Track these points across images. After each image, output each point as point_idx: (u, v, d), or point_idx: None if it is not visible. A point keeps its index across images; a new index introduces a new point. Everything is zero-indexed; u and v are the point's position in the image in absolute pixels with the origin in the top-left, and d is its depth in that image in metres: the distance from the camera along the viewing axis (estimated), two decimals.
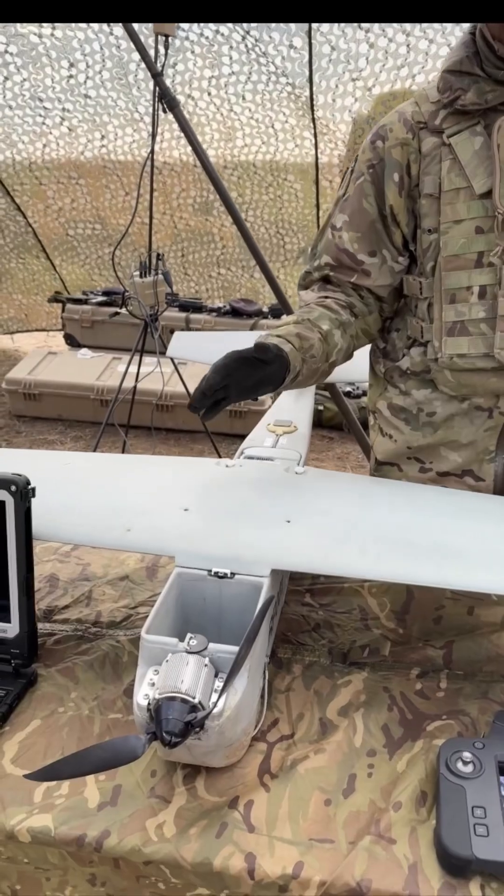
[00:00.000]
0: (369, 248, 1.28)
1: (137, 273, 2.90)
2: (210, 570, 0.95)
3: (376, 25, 3.46)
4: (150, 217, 2.98)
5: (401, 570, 0.95)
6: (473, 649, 1.13)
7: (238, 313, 5.15)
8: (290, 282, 5.49)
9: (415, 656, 1.12)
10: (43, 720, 0.98)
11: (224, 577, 0.94)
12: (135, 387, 3.44)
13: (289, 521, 1.03)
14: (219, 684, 0.80)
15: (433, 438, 1.33)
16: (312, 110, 4.05)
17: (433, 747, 0.94)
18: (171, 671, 0.78)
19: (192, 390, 3.76)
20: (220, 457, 4.18)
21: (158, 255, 2.89)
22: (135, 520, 1.04)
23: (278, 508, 1.08)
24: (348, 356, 1.34)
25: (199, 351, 2.20)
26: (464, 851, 0.78)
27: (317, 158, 4.38)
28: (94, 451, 3.72)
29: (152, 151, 2.62)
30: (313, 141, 4.28)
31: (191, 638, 0.82)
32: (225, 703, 0.78)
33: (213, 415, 1.12)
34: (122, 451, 3.69)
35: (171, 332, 5.14)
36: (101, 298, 5.32)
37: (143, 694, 0.79)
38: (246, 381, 1.10)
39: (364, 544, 0.99)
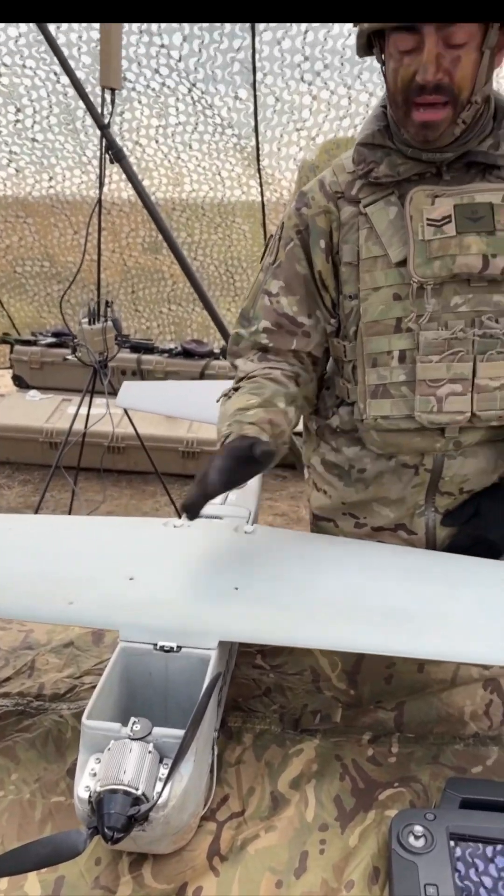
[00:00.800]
0: (308, 310, 1.29)
1: (86, 320, 2.88)
2: (156, 644, 0.92)
3: (318, 78, 3.56)
4: (98, 267, 2.96)
5: (349, 637, 0.95)
6: (424, 710, 1.13)
7: (190, 354, 5.14)
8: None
9: (366, 720, 1.11)
10: None
11: (170, 650, 0.92)
12: (84, 431, 3.40)
13: (237, 589, 1.02)
14: (164, 771, 0.77)
15: (365, 494, 1.34)
16: (258, 160, 4.14)
17: (385, 819, 0.92)
18: (113, 761, 0.75)
19: (141, 432, 3.73)
20: (171, 498, 4.15)
21: (108, 301, 2.88)
22: (78, 591, 1.01)
23: (226, 574, 1.06)
24: (297, 424, 1.35)
25: (149, 401, 2.18)
26: None
27: (263, 206, 4.46)
28: (44, 494, 3.65)
29: (99, 202, 2.62)
30: (259, 189, 4.37)
31: (134, 722, 0.80)
32: (170, 792, 0.75)
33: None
34: (71, 499, 3.63)
35: (123, 373, 5.15)
36: (50, 340, 5.26)
37: (85, 786, 0.76)
38: (242, 479, 1.07)
39: (312, 611, 0.98)
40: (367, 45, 1.14)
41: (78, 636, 1.30)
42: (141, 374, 5.26)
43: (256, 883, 0.84)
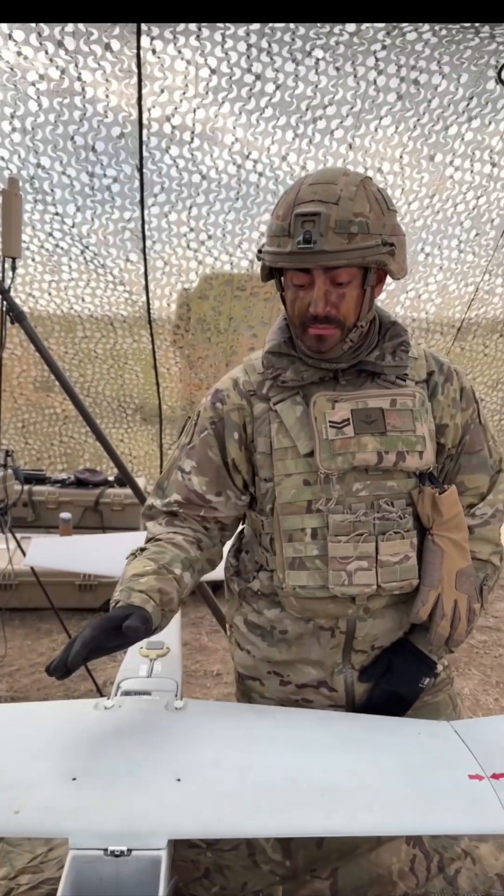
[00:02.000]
0: (216, 489, 1.44)
1: None
2: (106, 849, 0.95)
3: (203, 247, 3.95)
4: None
5: (292, 822, 1.01)
6: (357, 874, 1.20)
7: (83, 483, 5.14)
8: (133, 442, 5.65)
9: (304, 892, 1.17)
10: None
11: (121, 854, 0.95)
12: None
13: (179, 780, 1.06)
14: None
15: (288, 655, 1.45)
16: (149, 312, 4.44)
17: None
18: None
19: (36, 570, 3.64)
20: (68, 634, 4.03)
21: (8, 451, 2.91)
22: (22, 797, 1.01)
23: (166, 764, 1.10)
24: (195, 587, 1.47)
25: (59, 558, 2.21)
26: None
27: (154, 352, 4.74)
28: None
29: (0, 361, 2.72)
30: (150, 338, 4.66)
31: None
32: None
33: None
34: None
35: (13, 504, 5.04)
36: None
37: None
38: (110, 645, 1.16)
39: (254, 798, 1.04)
40: (269, 275, 1.35)
41: None
42: (32, 504, 5.18)
43: None
